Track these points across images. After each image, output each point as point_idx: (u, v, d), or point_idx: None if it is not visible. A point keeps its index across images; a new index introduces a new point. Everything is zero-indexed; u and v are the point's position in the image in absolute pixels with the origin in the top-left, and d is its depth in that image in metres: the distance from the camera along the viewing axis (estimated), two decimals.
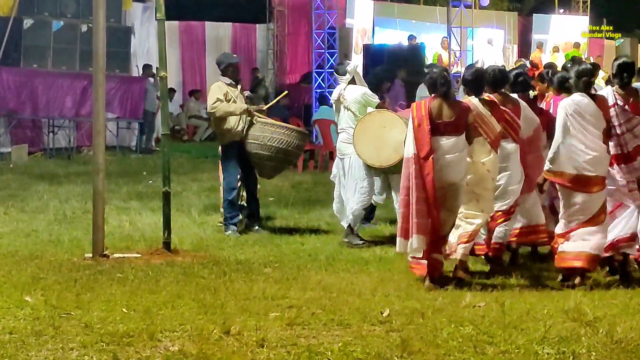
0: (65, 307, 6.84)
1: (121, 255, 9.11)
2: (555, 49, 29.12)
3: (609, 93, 8.28)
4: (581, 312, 6.75)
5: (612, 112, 8.17)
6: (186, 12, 24.52)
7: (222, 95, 10.67)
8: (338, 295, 7.46)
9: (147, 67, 21.66)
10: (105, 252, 9.01)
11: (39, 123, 19.53)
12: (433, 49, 26.81)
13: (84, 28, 19.48)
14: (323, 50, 24.76)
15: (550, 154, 8.13)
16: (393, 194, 10.49)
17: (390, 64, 19.63)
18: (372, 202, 10.88)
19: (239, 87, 10.94)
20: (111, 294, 7.35)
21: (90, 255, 8.99)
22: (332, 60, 24.69)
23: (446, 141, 8.06)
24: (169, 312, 6.77)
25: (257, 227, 10.92)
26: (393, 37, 26.92)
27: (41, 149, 19.23)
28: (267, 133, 10.69)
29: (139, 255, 9.17)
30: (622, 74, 8.27)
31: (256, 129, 10.72)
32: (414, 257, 8.24)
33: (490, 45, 29.73)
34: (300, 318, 6.60)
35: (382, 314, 6.75)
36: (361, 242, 10.23)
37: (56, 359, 5.71)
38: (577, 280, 8.11)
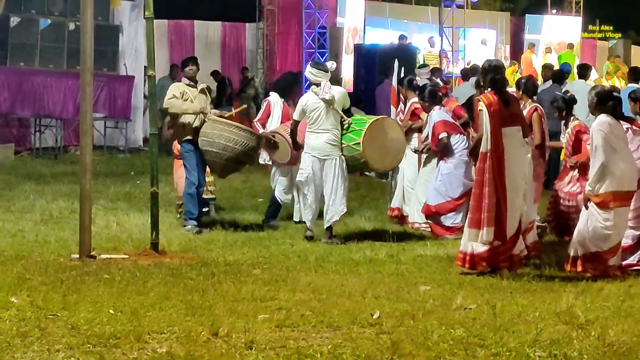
0: (52, 308, 6.77)
1: (108, 256, 9.06)
2: (548, 50, 29.15)
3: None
4: (573, 314, 6.75)
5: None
6: (175, 10, 24.44)
7: (178, 93, 10.93)
8: (328, 297, 7.43)
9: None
10: (92, 253, 8.95)
11: (26, 122, 19.44)
12: (425, 49, 26.80)
13: (72, 26, 19.37)
14: (313, 50, 24.76)
15: (594, 177, 8.44)
16: (296, 194, 11.28)
17: (381, 65, 19.61)
18: (280, 201, 11.46)
19: (200, 87, 11.17)
20: (98, 295, 7.28)
21: (77, 256, 8.93)
22: (322, 60, 24.64)
23: (514, 132, 8.58)
24: (156, 313, 6.72)
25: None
26: (384, 37, 26.85)
27: (28, 149, 19.14)
28: (217, 131, 10.85)
29: (127, 256, 9.12)
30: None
31: (207, 127, 10.93)
32: (462, 251, 8.78)
33: (484, 46, 29.73)
34: (290, 320, 6.55)
35: (372, 316, 6.70)
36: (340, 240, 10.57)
37: None
38: None
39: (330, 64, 10.91)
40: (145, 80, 18.73)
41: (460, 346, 5.99)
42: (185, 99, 10.93)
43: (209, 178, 12.08)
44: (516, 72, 25.32)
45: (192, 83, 11.14)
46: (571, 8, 33.38)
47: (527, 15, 33.44)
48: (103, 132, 20.12)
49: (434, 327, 6.42)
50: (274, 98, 11.84)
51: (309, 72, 10.70)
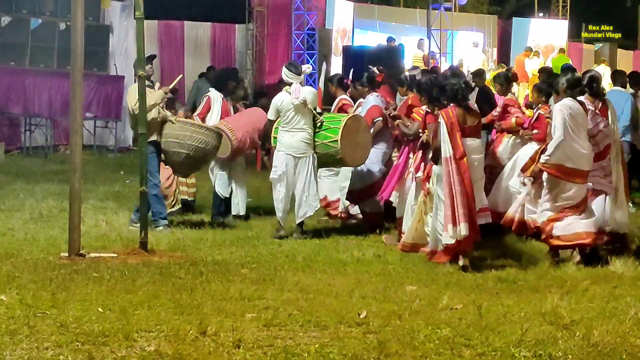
0: (41, 306, 6.82)
1: (97, 254, 9.08)
2: (536, 53, 29.24)
3: (584, 101, 9.43)
4: (558, 315, 6.84)
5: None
6: (165, 11, 24.43)
7: None
8: (315, 297, 7.48)
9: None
10: (81, 252, 8.98)
11: (16, 121, 19.48)
12: (413, 52, 26.91)
13: (62, 26, 19.41)
14: (302, 52, 24.82)
15: (550, 149, 9.07)
16: (234, 188, 11.81)
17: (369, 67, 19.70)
18: (220, 194, 11.76)
19: (157, 86, 11.21)
20: (87, 294, 7.33)
21: (66, 254, 8.96)
22: (311, 62, 24.72)
23: (472, 143, 9.10)
24: (145, 312, 6.77)
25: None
26: (373, 39, 27.00)
27: (18, 148, 19.17)
28: (188, 132, 10.88)
29: (115, 254, 9.14)
30: (592, 84, 9.68)
31: (176, 128, 10.90)
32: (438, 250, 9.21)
33: (475, 48, 29.85)
34: (277, 319, 6.62)
35: (359, 315, 6.77)
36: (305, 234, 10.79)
37: (31, 358, 5.69)
38: (576, 257, 9.24)
39: (306, 67, 11.18)
40: (135, 81, 18.78)
41: (446, 346, 6.07)
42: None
43: (192, 180, 12.22)
44: None
45: (149, 83, 11.02)
46: (558, 11, 33.59)
47: (514, 18, 33.63)
48: (93, 132, 20.16)
49: (420, 327, 6.49)
50: (214, 94, 12.03)
51: (283, 72, 10.94)
